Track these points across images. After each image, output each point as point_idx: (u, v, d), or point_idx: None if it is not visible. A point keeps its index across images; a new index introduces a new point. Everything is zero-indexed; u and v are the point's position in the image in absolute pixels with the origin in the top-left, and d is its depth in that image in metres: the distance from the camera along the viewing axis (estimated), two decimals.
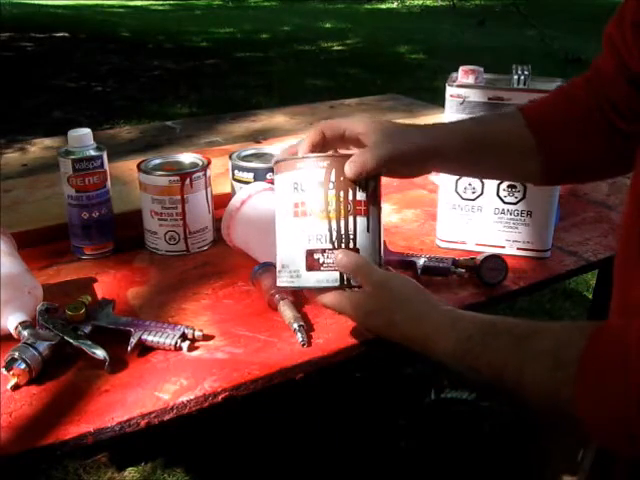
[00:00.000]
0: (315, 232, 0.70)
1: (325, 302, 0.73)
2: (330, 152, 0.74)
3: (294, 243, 0.72)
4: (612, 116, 0.72)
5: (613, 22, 0.70)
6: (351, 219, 0.70)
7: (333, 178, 0.70)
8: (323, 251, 0.70)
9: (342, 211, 0.70)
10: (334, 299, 0.72)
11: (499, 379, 0.60)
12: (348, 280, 0.70)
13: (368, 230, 0.71)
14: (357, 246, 0.71)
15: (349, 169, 0.70)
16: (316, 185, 0.70)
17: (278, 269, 0.75)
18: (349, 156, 0.71)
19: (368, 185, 0.71)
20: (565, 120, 0.76)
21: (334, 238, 0.70)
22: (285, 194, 0.73)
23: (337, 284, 0.71)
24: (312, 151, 0.73)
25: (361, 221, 0.71)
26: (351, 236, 0.70)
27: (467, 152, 0.75)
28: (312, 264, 0.71)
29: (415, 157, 0.73)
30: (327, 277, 0.71)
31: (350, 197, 0.70)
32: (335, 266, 0.70)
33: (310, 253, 0.71)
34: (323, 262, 0.70)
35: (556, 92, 0.81)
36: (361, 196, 0.71)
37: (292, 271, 0.72)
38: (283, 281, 0.74)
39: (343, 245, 0.70)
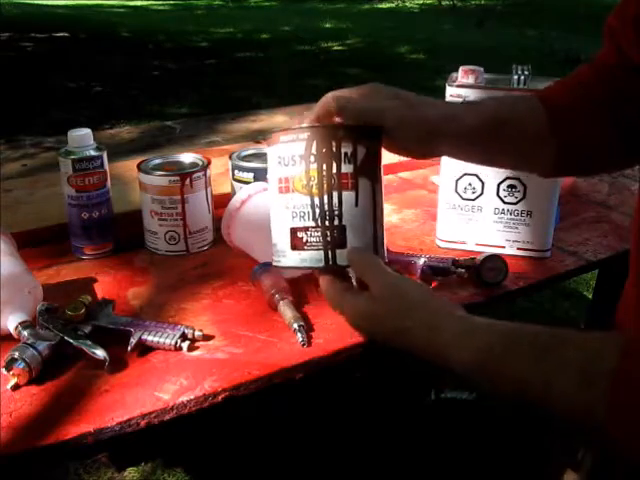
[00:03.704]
0: (298, 209, 0.67)
1: (324, 294, 0.68)
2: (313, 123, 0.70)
3: (280, 221, 0.69)
4: (621, 109, 0.71)
5: (615, 14, 0.69)
6: (335, 194, 0.65)
7: (314, 150, 0.65)
8: (306, 229, 0.66)
9: (325, 186, 0.65)
10: (330, 294, 0.67)
11: (522, 393, 0.56)
12: (334, 260, 0.66)
13: (356, 205, 0.66)
14: (343, 222, 0.66)
15: (333, 101, 0.67)
16: (297, 159, 0.66)
17: (272, 249, 0.72)
18: (332, 126, 0.67)
19: (356, 155, 0.66)
20: (579, 107, 0.74)
21: (317, 215, 0.66)
22: (272, 169, 0.70)
23: (321, 264, 0.66)
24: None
25: (347, 195, 0.66)
26: (336, 212, 0.66)
27: (484, 130, 0.71)
28: (296, 243, 0.67)
29: (423, 128, 0.69)
30: (310, 256, 0.67)
31: (334, 170, 0.65)
32: (320, 245, 0.66)
33: (294, 231, 0.67)
34: (307, 241, 0.66)
35: (569, 80, 0.78)
36: (347, 168, 0.66)
37: (279, 250, 0.69)
38: (275, 262, 0.71)
39: (327, 222, 0.66)
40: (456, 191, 1.01)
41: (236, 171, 1.08)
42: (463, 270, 0.93)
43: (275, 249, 0.70)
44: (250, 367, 0.74)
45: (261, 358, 0.76)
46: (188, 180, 0.98)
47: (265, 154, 1.10)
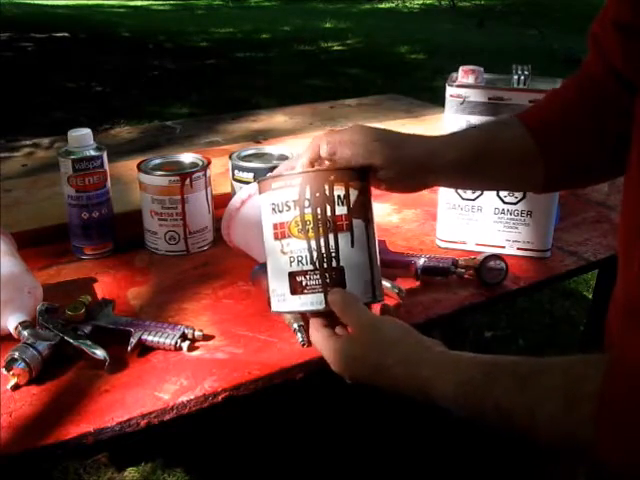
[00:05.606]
0: (296, 254, 0.68)
1: (312, 341, 0.70)
2: (305, 167, 0.72)
3: (278, 266, 0.70)
4: (605, 119, 0.71)
5: (597, 21, 0.69)
6: (331, 236, 0.67)
7: (308, 195, 0.67)
8: (305, 273, 0.68)
9: (321, 229, 0.67)
10: (317, 340, 0.68)
11: (507, 422, 0.56)
12: None
13: (352, 245, 0.68)
14: (341, 264, 0.67)
15: (323, 149, 0.69)
16: (291, 204, 0.68)
17: (270, 293, 0.73)
18: (323, 171, 0.69)
19: (349, 197, 0.68)
20: (563, 125, 0.75)
21: (315, 258, 0.67)
22: (265, 216, 0.71)
23: (322, 307, 0.68)
24: (311, 167, 0.72)
25: (343, 237, 0.67)
26: (333, 254, 0.67)
27: (467, 163, 0.73)
28: (296, 287, 0.68)
29: (408, 166, 0.71)
30: (312, 300, 0.68)
31: (329, 213, 0.67)
32: (319, 287, 0.67)
33: (293, 276, 0.68)
34: (306, 284, 0.68)
35: (550, 97, 0.80)
36: (341, 210, 0.67)
37: (279, 295, 0.70)
38: (274, 306, 0.72)
39: (325, 265, 0.67)
40: (456, 191, 1.01)
41: (236, 171, 1.08)
42: (463, 270, 0.93)
43: (273, 294, 0.71)
44: (250, 367, 0.74)
45: (261, 358, 0.76)
46: (188, 180, 0.98)
47: (265, 154, 1.12)
